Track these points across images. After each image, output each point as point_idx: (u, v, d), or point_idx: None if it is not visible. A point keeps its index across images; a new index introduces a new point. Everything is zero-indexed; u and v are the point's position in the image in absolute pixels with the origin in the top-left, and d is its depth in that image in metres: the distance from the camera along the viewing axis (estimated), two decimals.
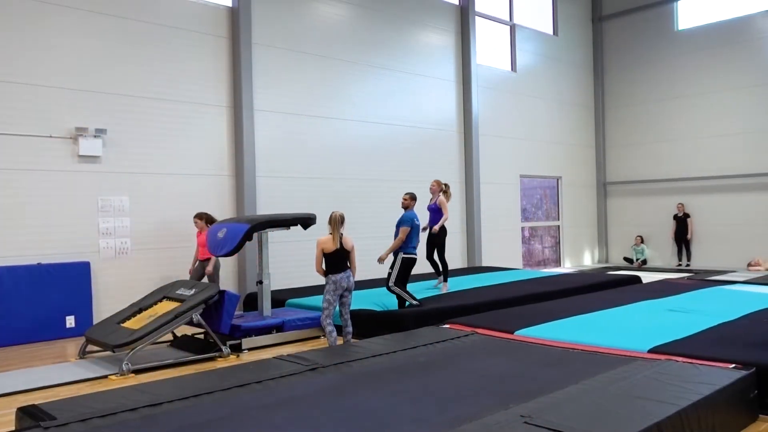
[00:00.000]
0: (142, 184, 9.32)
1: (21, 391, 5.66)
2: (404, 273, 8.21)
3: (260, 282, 8.11)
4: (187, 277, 9.26)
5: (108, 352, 6.88)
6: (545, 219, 16.49)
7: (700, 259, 15.46)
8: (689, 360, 5.11)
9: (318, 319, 8.08)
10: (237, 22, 10.22)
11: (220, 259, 8.94)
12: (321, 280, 10.78)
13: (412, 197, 8.59)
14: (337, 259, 6.75)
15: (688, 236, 15.53)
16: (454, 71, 13.80)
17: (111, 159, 9.03)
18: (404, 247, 8.20)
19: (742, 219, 14.87)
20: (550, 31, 16.41)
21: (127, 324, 6.89)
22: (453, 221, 13.62)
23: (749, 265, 14.24)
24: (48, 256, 8.38)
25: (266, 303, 8.10)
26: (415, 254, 8.32)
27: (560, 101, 16.39)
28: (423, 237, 9.03)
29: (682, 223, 15.64)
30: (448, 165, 13.57)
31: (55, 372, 6.35)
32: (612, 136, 17.29)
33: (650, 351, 5.49)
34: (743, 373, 4.66)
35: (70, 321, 8.34)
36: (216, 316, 7.11)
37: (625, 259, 16.55)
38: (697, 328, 6.30)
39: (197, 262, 9.12)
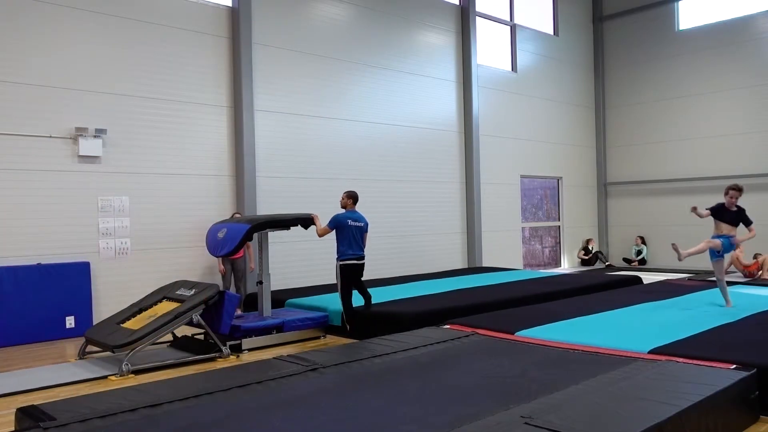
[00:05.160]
0: (142, 184, 9.32)
1: (21, 392, 5.65)
2: (345, 282, 7.75)
3: (260, 282, 8.10)
4: (186, 277, 9.26)
5: (108, 353, 6.87)
6: (546, 219, 16.48)
7: (700, 260, 15.38)
8: (690, 361, 5.10)
9: (318, 320, 8.09)
10: (237, 22, 10.22)
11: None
12: (321, 280, 10.89)
13: (349, 195, 7.99)
14: None
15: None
16: (455, 71, 13.79)
17: (111, 159, 9.03)
18: (339, 254, 7.76)
19: None
20: (551, 32, 16.40)
21: (127, 324, 6.89)
22: (453, 221, 13.65)
23: (754, 257, 13.89)
24: (48, 256, 8.38)
25: (266, 303, 8.10)
26: (354, 260, 7.76)
27: (561, 101, 16.38)
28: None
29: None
30: (448, 165, 13.56)
31: (55, 372, 6.34)
32: (612, 136, 17.27)
33: (651, 352, 5.48)
34: (744, 373, 4.65)
35: (70, 321, 8.34)
36: (216, 317, 7.09)
37: (625, 260, 16.53)
38: (698, 329, 6.29)
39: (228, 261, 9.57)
